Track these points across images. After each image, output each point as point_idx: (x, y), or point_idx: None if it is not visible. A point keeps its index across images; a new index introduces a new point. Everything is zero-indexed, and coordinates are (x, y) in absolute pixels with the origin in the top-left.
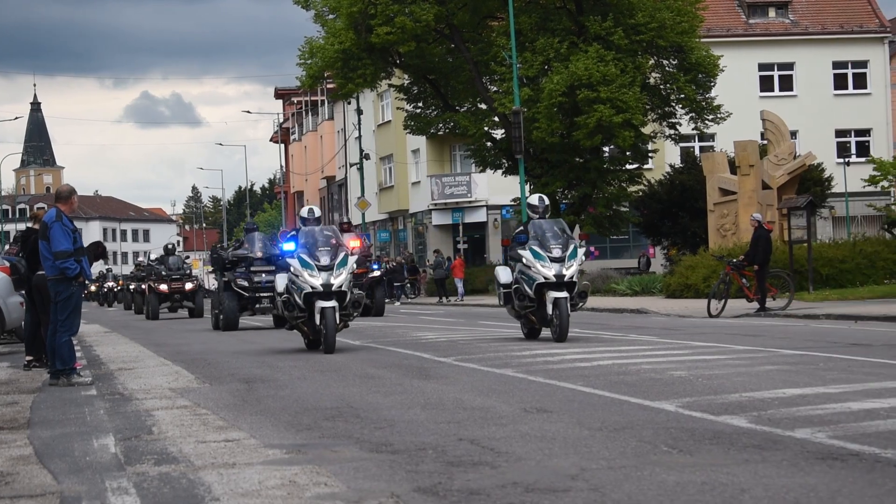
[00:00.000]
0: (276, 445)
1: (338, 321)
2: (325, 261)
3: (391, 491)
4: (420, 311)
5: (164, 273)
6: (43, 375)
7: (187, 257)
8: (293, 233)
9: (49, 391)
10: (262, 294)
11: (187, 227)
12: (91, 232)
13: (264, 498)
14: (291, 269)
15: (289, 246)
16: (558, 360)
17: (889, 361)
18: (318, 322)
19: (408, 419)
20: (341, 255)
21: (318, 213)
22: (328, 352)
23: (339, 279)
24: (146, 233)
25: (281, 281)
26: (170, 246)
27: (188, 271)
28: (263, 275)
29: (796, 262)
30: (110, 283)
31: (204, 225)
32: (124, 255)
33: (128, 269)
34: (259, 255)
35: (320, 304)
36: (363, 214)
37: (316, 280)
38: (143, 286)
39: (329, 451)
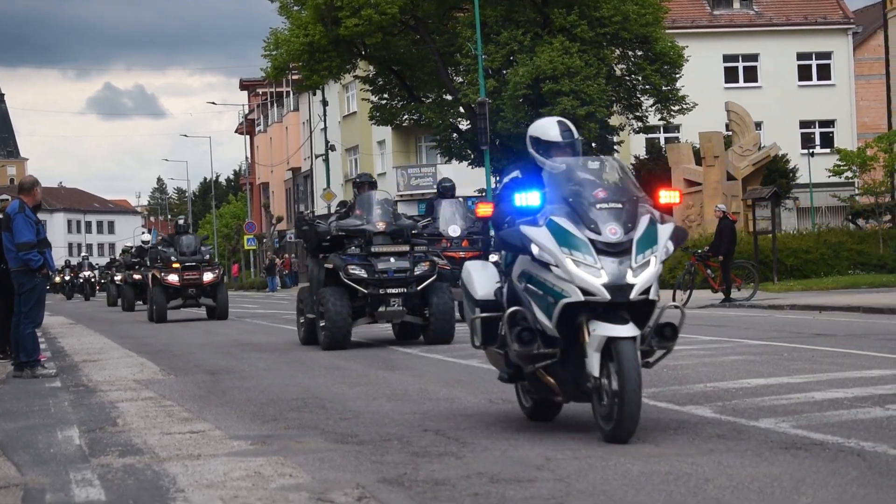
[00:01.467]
0: (241, 437)
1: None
2: (612, 233)
3: (356, 482)
4: None
5: (173, 259)
6: (6, 367)
7: (206, 237)
8: (515, 174)
9: (13, 383)
10: (389, 291)
11: (152, 219)
12: (55, 224)
13: (229, 489)
14: (534, 248)
15: (528, 198)
16: None
17: (852, 351)
18: (594, 370)
19: (373, 410)
20: (643, 224)
21: (575, 132)
22: (619, 439)
23: (646, 276)
24: (111, 224)
25: (483, 278)
26: (181, 221)
27: (207, 256)
28: (392, 259)
29: (761, 253)
30: (87, 273)
31: (169, 216)
32: (89, 246)
33: (93, 260)
34: (381, 226)
35: (605, 329)
36: (329, 206)
37: (595, 277)
38: (136, 276)
39: (294, 442)
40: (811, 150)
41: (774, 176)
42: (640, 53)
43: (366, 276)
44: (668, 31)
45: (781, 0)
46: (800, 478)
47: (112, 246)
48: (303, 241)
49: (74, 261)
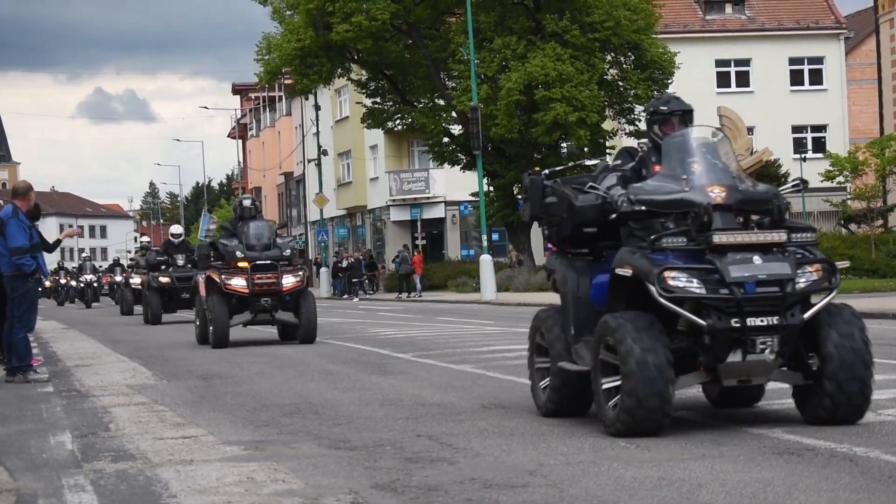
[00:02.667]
0: (233, 442)
1: None
2: None
3: (349, 487)
4: (378, 307)
5: (239, 254)
6: None
7: (282, 226)
8: None
9: (5, 388)
10: (751, 322)
11: (145, 224)
12: (48, 228)
13: (222, 495)
14: None
15: None
16: (516, 355)
17: None
18: None
19: (366, 415)
20: None
21: None
22: None
23: None
24: (103, 229)
25: None
26: (247, 204)
27: (287, 251)
28: (755, 258)
29: None
30: (89, 276)
31: (162, 221)
32: (81, 250)
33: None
34: (719, 194)
35: None
36: (321, 210)
37: None
38: (162, 279)
39: (287, 447)
40: (803, 155)
41: (766, 180)
42: (631, 59)
43: (704, 291)
44: (659, 35)
45: (773, 5)
46: (792, 483)
47: (104, 250)
48: (545, 225)
49: (68, 264)
